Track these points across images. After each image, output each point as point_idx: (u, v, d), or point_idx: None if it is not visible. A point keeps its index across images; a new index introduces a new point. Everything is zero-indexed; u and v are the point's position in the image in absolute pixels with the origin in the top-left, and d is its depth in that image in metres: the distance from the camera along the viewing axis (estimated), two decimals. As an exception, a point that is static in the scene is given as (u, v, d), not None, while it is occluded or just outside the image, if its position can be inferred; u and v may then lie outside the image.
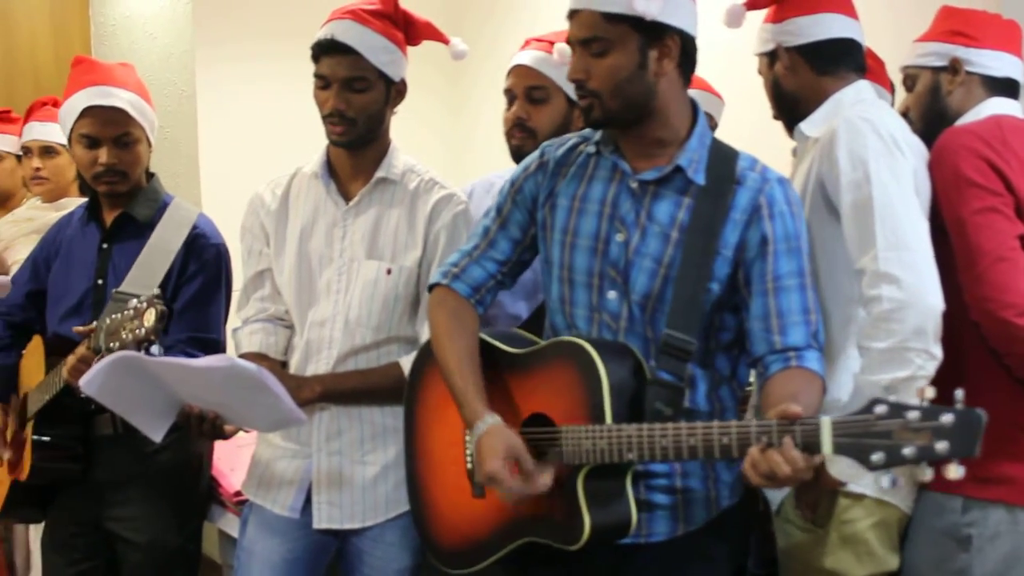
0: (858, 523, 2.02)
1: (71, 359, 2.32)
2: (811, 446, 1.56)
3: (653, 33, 1.86)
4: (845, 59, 2.17)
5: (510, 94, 2.55)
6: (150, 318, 2.12)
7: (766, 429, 1.60)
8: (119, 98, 2.55)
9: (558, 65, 2.48)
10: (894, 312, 1.84)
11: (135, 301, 2.16)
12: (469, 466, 1.98)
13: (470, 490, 1.98)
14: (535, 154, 2.08)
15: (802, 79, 2.18)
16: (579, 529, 1.78)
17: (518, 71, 2.54)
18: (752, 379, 2.24)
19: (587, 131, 2.06)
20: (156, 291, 2.19)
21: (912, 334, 1.83)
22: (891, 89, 2.61)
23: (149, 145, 2.64)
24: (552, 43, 2.52)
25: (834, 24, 2.16)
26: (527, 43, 2.58)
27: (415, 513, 2.14)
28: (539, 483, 1.80)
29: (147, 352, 2.14)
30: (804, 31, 2.16)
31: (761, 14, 2.26)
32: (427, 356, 2.12)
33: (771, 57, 2.22)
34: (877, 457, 1.48)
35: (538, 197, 2.03)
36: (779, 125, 2.32)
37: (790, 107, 2.22)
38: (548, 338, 2.03)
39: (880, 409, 1.48)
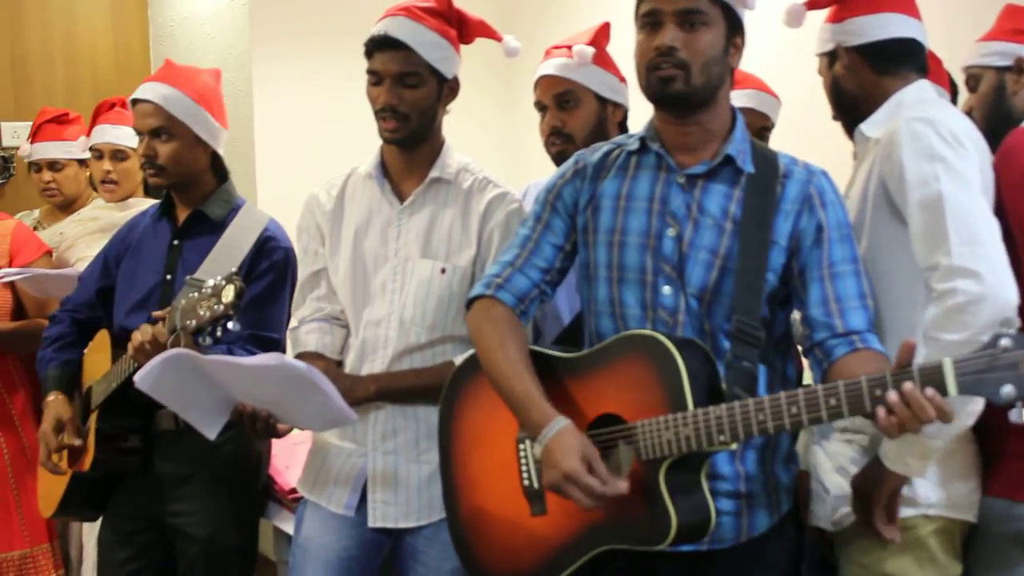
0: (920, 529, 1.99)
1: (138, 336, 2.32)
2: (935, 389, 1.54)
3: (736, 26, 1.91)
4: (907, 59, 2.13)
5: (540, 105, 2.59)
6: (228, 294, 2.10)
7: (879, 381, 1.58)
8: (153, 92, 2.60)
9: (580, 66, 2.51)
10: (969, 305, 1.80)
11: (213, 280, 2.15)
12: (526, 482, 1.94)
13: (526, 510, 1.93)
14: (570, 161, 2.09)
15: (862, 79, 2.14)
16: (666, 527, 1.74)
17: (544, 82, 2.58)
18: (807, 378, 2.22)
19: (620, 138, 2.08)
20: (234, 269, 2.19)
21: (986, 327, 1.77)
22: (951, 88, 2.56)
23: (202, 145, 2.64)
24: (569, 47, 2.55)
25: (896, 24, 2.12)
26: (547, 54, 2.61)
27: (458, 544, 2.10)
28: (617, 485, 1.76)
29: (224, 328, 2.13)
30: (865, 31, 2.12)
31: (818, 16, 2.23)
32: (461, 380, 2.11)
33: (831, 57, 2.19)
34: (1007, 391, 1.47)
35: (579, 202, 2.03)
36: (826, 129, 2.28)
37: (850, 108, 2.18)
38: (590, 344, 2.01)
39: (1005, 342, 1.47)
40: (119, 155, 3.44)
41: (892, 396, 1.57)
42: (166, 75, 2.65)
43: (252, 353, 2.40)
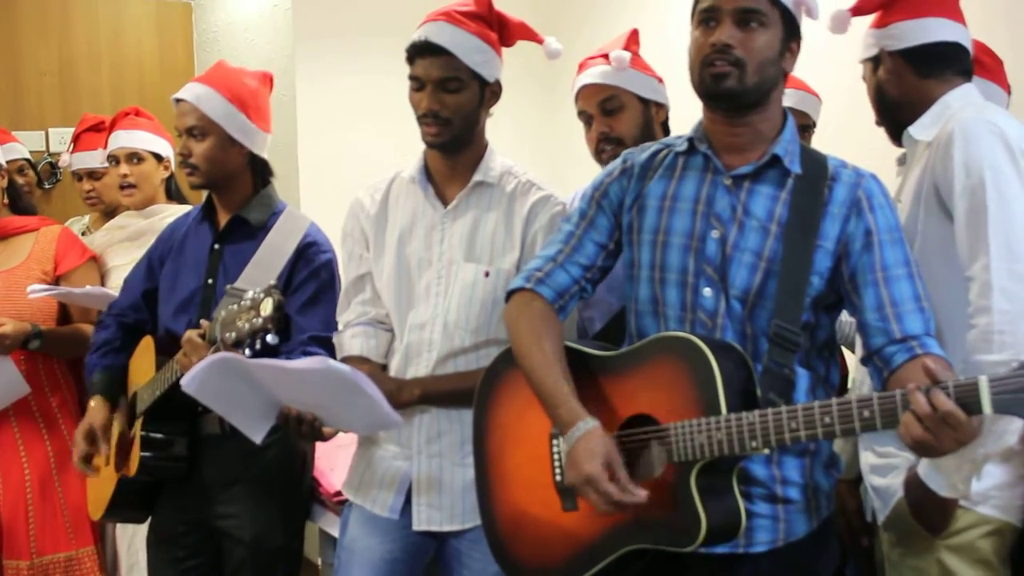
0: (972, 530, 1.97)
1: (186, 336, 2.34)
2: (969, 406, 1.52)
3: (794, 31, 1.91)
4: (950, 63, 2.12)
5: (585, 115, 2.59)
6: (267, 307, 2.12)
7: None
8: (190, 91, 2.63)
9: (619, 71, 2.52)
10: (1006, 324, 1.79)
11: (252, 292, 2.17)
12: (558, 478, 1.96)
13: (558, 505, 1.95)
14: (617, 160, 2.08)
15: (905, 83, 2.14)
16: (695, 529, 1.74)
17: (585, 92, 2.57)
18: (851, 383, 2.20)
19: (668, 138, 2.08)
20: (273, 281, 2.20)
21: None
22: (1008, 90, 2.53)
23: (237, 146, 2.64)
24: (604, 56, 2.56)
25: (939, 28, 2.11)
26: (582, 66, 2.61)
27: (491, 537, 2.12)
28: (635, 495, 1.76)
29: (263, 342, 2.14)
30: (908, 35, 2.12)
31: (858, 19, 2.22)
32: (496, 374, 2.12)
33: (875, 62, 2.19)
34: None
35: (624, 201, 2.03)
36: (864, 130, 2.27)
37: (894, 112, 2.18)
38: (631, 342, 2.01)
39: None
40: (134, 158, 3.46)
41: (922, 404, 1.55)
42: (208, 76, 2.69)
43: (315, 355, 2.41)
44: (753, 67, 1.86)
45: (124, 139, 3.49)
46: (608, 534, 1.88)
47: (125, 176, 3.47)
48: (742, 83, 1.86)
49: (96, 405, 2.67)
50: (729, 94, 1.88)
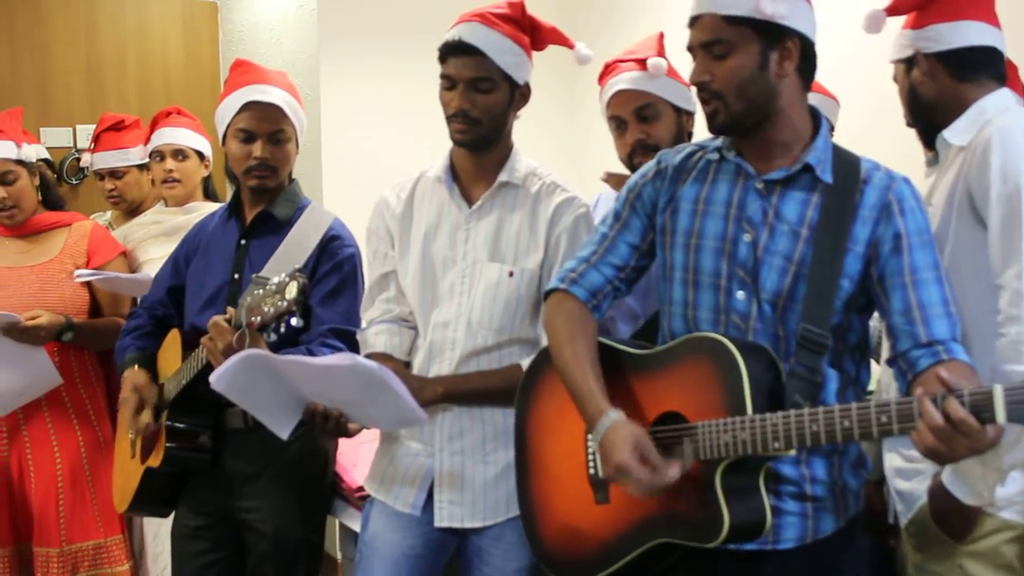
0: (995, 536, 1.97)
1: (211, 330, 2.35)
2: (983, 414, 1.53)
3: (774, 35, 1.88)
4: (986, 67, 2.11)
5: (618, 120, 2.56)
6: (292, 291, 2.14)
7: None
8: (276, 96, 2.66)
9: (656, 78, 2.51)
10: None
11: (277, 277, 2.19)
12: (591, 471, 1.99)
13: (591, 498, 1.98)
14: (651, 162, 2.10)
15: (941, 86, 2.14)
16: (718, 526, 1.77)
17: (620, 97, 2.55)
18: (872, 387, 2.21)
19: (703, 140, 2.08)
20: (298, 265, 2.23)
21: None
22: (1024, 95, 2.54)
23: (297, 146, 2.73)
24: (638, 61, 2.54)
25: (976, 32, 2.11)
26: (613, 69, 2.59)
27: (528, 528, 2.15)
28: (668, 475, 1.79)
29: (288, 325, 2.17)
30: (945, 38, 2.11)
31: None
32: (538, 370, 2.15)
33: (908, 63, 2.18)
34: None
35: (658, 202, 2.05)
36: (886, 131, 2.27)
37: (927, 114, 2.17)
38: (663, 343, 2.03)
39: None
40: (180, 155, 3.53)
41: (932, 413, 1.56)
42: (264, 77, 2.71)
43: (334, 347, 2.45)
44: (732, 95, 1.89)
45: (170, 135, 3.55)
46: (637, 528, 1.91)
47: (170, 171, 3.52)
48: (729, 114, 1.90)
49: (135, 370, 2.69)
50: (724, 128, 1.93)
